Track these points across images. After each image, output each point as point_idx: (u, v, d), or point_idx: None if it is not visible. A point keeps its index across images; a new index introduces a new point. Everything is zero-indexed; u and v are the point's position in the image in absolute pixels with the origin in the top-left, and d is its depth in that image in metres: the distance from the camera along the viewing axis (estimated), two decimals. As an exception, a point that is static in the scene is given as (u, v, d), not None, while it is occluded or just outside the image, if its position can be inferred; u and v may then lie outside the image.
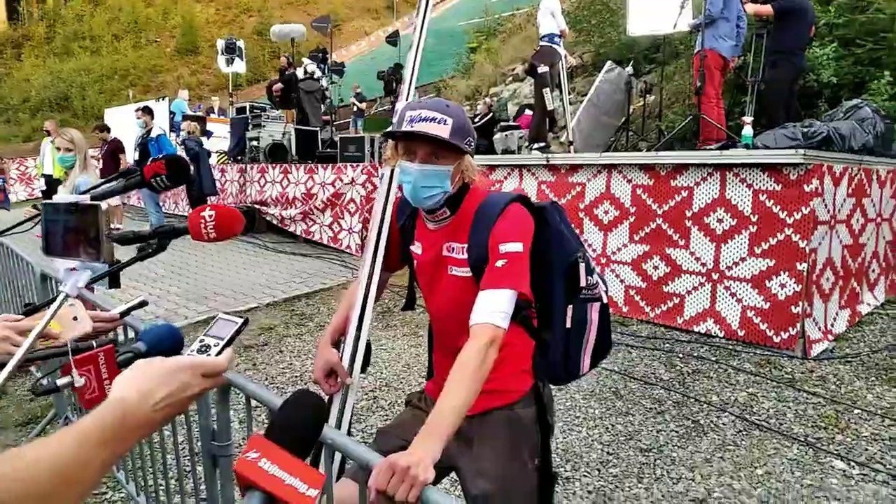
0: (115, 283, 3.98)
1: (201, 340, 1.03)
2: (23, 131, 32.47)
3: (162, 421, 0.88)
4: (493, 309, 1.50)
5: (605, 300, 1.83)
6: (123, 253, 1.23)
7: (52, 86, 36.27)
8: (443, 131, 1.56)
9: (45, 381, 1.08)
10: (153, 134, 9.41)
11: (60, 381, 1.06)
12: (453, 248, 1.70)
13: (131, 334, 2.58)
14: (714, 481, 3.12)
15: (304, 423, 0.95)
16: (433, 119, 1.56)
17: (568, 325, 1.74)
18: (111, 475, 3.20)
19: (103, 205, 1.13)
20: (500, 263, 1.54)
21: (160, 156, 1.43)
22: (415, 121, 1.58)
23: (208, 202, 9.65)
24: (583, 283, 1.71)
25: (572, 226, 1.79)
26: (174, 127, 14.09)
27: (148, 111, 9.79)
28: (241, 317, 1.10)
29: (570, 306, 1.74)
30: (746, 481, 3.11)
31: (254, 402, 1.86)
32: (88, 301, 2.95)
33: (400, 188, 1.76)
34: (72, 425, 0.78)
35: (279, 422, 0.94)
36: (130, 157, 10.58)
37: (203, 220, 1.30)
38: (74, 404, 3.64)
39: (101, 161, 10.59)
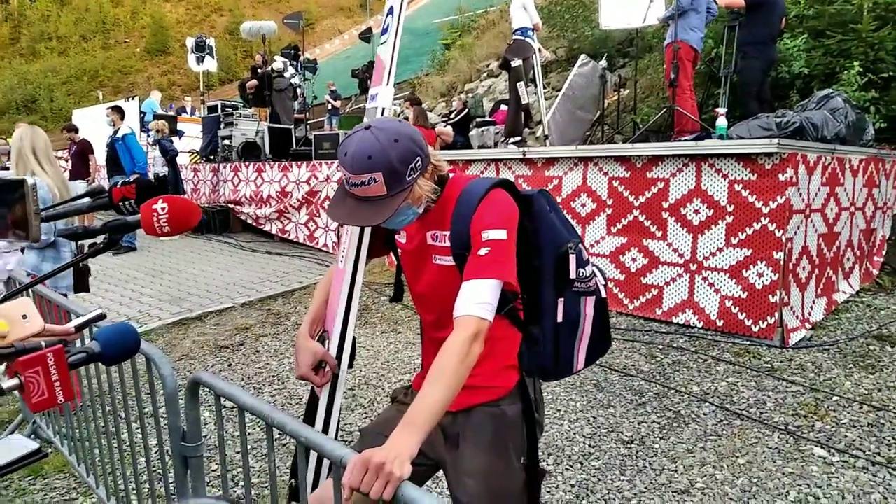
0: (82, 286, 3.83)
1: None
2: (-10, 134, 31.72)
3: None
4: (478, 300, 1.43)
5: (602, 294, 1.76)
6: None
7: (19, 88, 35.48)
8: (378, 190, 1.44)
9: None
10: (120, 133, 9.17)
11: (6, 384, 0.98)
12: (437, 237, 1.63)
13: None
14: (696, 472, 3.11)
15: None
16: (363, 183, 1.44)
17: (559, 318, 1.67)
18: (80, 479, 3.10)
19: (30, 180, 1.05)
20: (483, 251, 1.47)
21: (131, 179, 1.36)
22: (350, 184, 1.47)
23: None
24: (573, 276, 1.64)
25: (565, 214, 1.73)
26: (144, 126, 13.83)
27: (118, 110, 9.54)
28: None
29: (562, 299, 1.67)
30: (728, 471, 3.10)
31: (229, 403, 1.79)
32: (62, 307, 2.84)
33: None
34: None
35: None
36: (101, 158, 10.36)
37: (155, 213, 1.23)
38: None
39: (69, 162, 10.36)
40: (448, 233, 1.59)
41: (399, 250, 1.79)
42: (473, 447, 1.64)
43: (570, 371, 1.78)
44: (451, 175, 1.65)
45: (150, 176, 10.19)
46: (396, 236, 1.78)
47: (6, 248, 1.07)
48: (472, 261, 1.49)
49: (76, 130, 10.56)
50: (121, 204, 1.33)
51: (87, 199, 1.37)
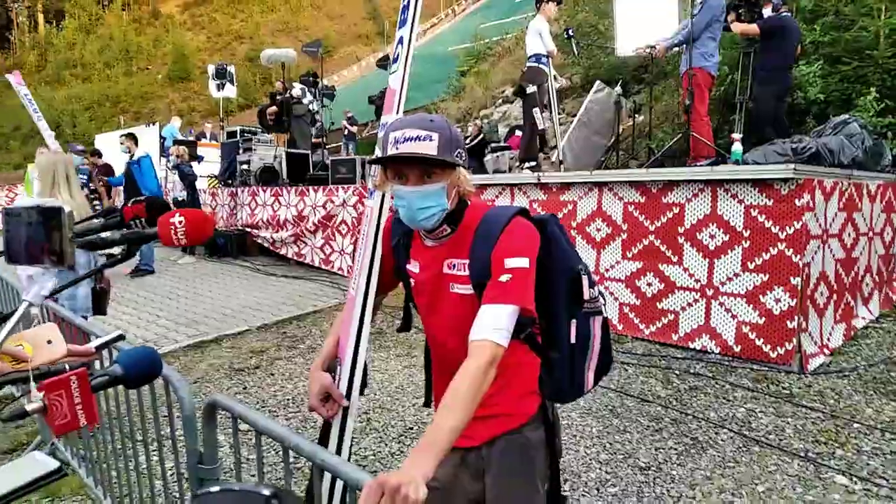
0: (100, 309, 3.88)
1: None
2: (13, 159, 32.46)
3: None
4: (495, 325, 1.43)
5: (605, 313, 1.77)
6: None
7: (44, 113, 36.14)
8: (430, 148, 1.49)
9: (13, 406, 1.03)
10: (137, 157, 9.37)
11: (30, 407, 1.00)
12: (454, 265, 1.63)
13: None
14: (715, 499, 3.06)
15: None
16: (418, 137, 1.49)
17: (573, 340, 1.68)
18: (97, 501, 3.11)
19: (66, 207, 1.09)
20: (504, 278, 1.48)
21: (142, 198, 1.40)
22: (399, 142, 1.51)
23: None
24: (586, 297, 1.66)
25: (570, 237, 1.75)
26: (164, 152, 14.07)
27: (132, 137, 9.76)
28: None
29: (574, 321, 1.68)
30: (748, 498, 3.05)
31: (244, 427, 1.81)
32: (78, 328, 2.88)
33: (393, 210, 1.71)
34: None
35: None
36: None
37: (173, 227, 1.26)
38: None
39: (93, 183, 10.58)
40: (467, 261, 1.59)
41: (411, 280, 1.78)
42: (499, 476, 1.65)
43: (582, 392, 1.78)
44: (469, 202, 1.66)
45: (169, 200, 10.35)
46: (408, 265, 1.77)
47: (42, 273, 1.10)
48: (492, 286, 1.49)
49: (100, 155, 10.80)
50: (132, 223, 1.36)
51: (99, 220, 1.40)
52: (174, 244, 1.28)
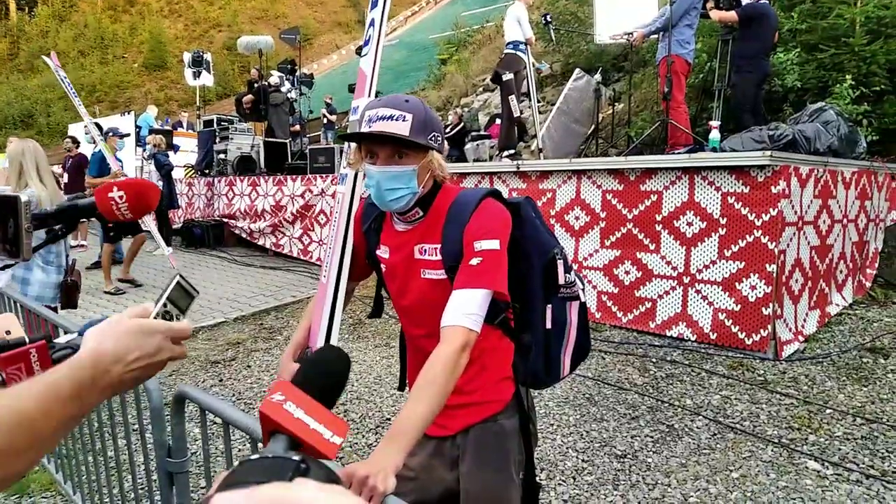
0: (70, 302, 3.79)
1: (164, 306, 0.95)
2: (-15, 149, 31.77)
3: (131, 382, 0.84)
4: (466, 311, 1.41)
5: (583, 299, 1.75)
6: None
7: (16, 103, 35.63)
8: (402, 129, 1.46)
9: None
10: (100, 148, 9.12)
11: None
12: (425, 250, 1.60)
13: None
14: (690, 486, 3.08)
15: (330, 373, 0.93)
16: (391, 117, 1.47)
17: (548, 325, 1.67)
18: (67, 497, 3.06)
19: (24, 197, 1.04)
20: (474, 262, 1.46)
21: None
22: (373, 120, 1.48)
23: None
24: (561, 281, 1.64)
25: (548, 221, 1.72)
26: (140, 141, 13.84)
27: (100, 126, 9.47)
28: (196, 290, 1.04)
29: (550, 306, 1.66)
30: (722, 485, 3.07)
31: (216, 419, 1.77)
32: (50, 322, 2.81)
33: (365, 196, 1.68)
34: (42, 375, 0.73)
35: (305, 370, 0.91)
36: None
37: (113, 202, 1.19)
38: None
39: (65, 175, 10.34)
40: (438, 246, 1.57)
41: (382, 265, 1.75)
42: (474, 466, 1.63)
43: (558, 378, 1.77)
44: (443, 184, 1.63)
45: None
46: (377, 251, 1.75)
47: None
48: (463, 270, 1.47)
49: (77, 143, 10.55)
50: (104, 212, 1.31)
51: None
52: (119, 219, 1.23)
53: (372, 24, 2.00)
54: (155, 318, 0.92)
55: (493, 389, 1.66)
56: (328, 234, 1.86)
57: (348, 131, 1.62)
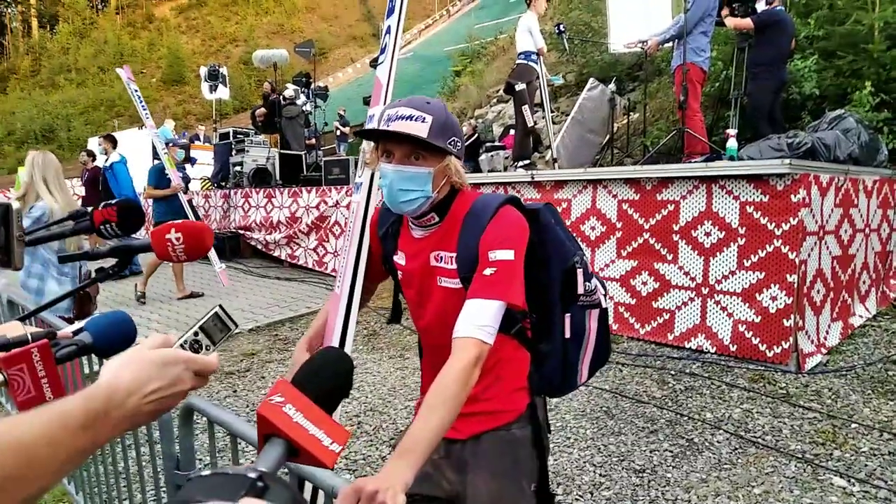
0: (84, 313, 3.79)
1: (195, 335, 0.92)
2: (7, 164, 32.34)
3: (149, 414, 0.81)
4: (479, 322, 1.37)
5: (604, 305, 1.70)
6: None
7: (38, 118, 36.29)
8: (421, 130, 1.44)
9: None
10: (109, 161, 9.17)
11: None
12: (441, 258, 1.57)
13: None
14: (711, 502, 2.99)
15: (333, 377, 0.90)
16: (410, 117, 1.44)
17: (567, 334, 1.62)
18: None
19: (15, 204, 1.02)
20: (488, 272, 1.42)
21: (113, 201, 1.33)
22: (392, 119, 1.46)
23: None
24: (580, 290, 1.59)
25: (568, 228, 1.67)
26: (157, 154, 13.97)
27: (110, 139, 9.51)
28: (235, 322, 1.00)
29: (569, 315, 1.62)
30: (744, 501, 2.98)
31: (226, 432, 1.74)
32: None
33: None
34: (54, 404, 0.71)
35: (308, 373, 0.88)
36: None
37: (170, 244, 1.19)
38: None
39: (84, 189, 10.45)
40: (454, 254, 1.53)
41: (399, 273, 1.72)
42: (484, 474, 1.58)
43: (574, 386, 1.74)
44: (461, 190, 1.60)
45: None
46: (394, 256, 1.72)
47: None
48: (477, 280, 1.44)
49: (94, 157, 10.66)
50: (102, 227, 1.30)
51: (70, 223, 1.34)
52: (173, 261, 1.23)
53: (388, 31, 1.98)
54: (181, 346, 0.90)
55: (508, 399, 1.63)
56: (343, 245, 1.85)
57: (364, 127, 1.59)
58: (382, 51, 2.02)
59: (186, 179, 10.30)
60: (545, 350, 1.63)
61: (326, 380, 0.89)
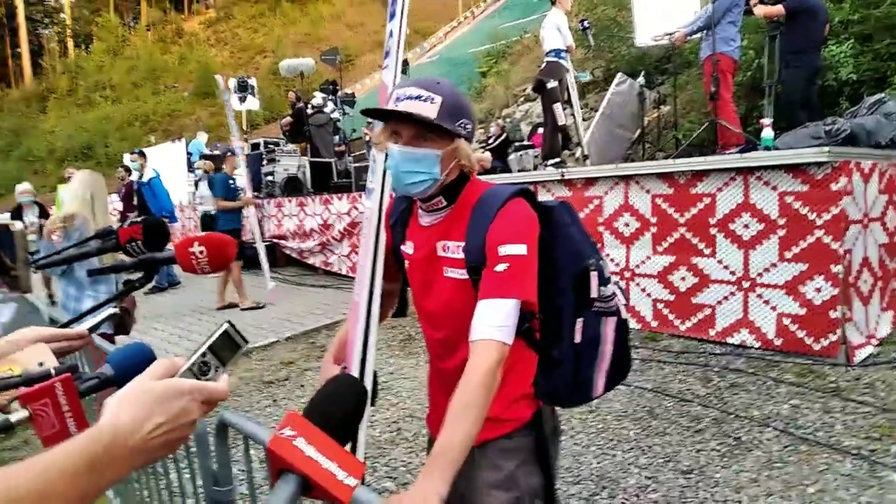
0: (123, 329, 3.83)
1: (203, 356, 0.88)
2: (49, 182, 33.20)
3: (159, 450, 0.78)
4: (497, 322, 1.33)
5: (623, 315, 1.57)
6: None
7: (76, 136, 37.25)
8: (429, 111, 1.40)
9: None
10: (145, 177, 9.35)
11: (15, 417, 0.93)
12: (448, 248, 1.52)
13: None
14: (763, 503, 2.91)
15: (345, 406, 0.87)
16: (419, 97, 1.41)
17: (577, 339, 1.51)
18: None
19: (17, 225, 1.01)
20: (501, 268, 1.36)
21: (139, 219, 1.34)
22: (401, 99, 1.42)
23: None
24: (594, 294, 1.48)
25: (585, 230, 1.60)
26: (191, 167, 14.23)
27: (142, 155, 9.75)
28: (245, 340, 0.97)
29: (580, 319, 1.50)
30: (798, 501, 2.89)
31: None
32: (102, 351, 2.83)
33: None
34: (56, 448, 0.69)
35: (318, 403, 0.86)
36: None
37: (194, 257, 1.20)
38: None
39: (121, 203, 10.69)
40: (462, 244, 1.48)
41: (406, 262, 1.68)
42: (482, 482, 1.53)
43: (587, 397, 1.61)
44: (471, 177, 1.55)
45: (198, 214, 10.39)
46: (402, 246, 1.67)
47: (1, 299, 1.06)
48: (488, 277, 1.38)
49: (130, 171, 10.91)
50: (128, 245, 1.31)
51: (95, 242, 1.35)
52: (198, 273, 1.24)
53: (391, 34, 1.97)
54: (189, 369, 0.85)
55: (512, 407, 1.56)
56: (359, 252, 1.83)
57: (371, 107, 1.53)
58: (387, 55, 2.01)
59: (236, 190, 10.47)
60: (557, 356, 1.53)
61: (339, 408, 0.87)
